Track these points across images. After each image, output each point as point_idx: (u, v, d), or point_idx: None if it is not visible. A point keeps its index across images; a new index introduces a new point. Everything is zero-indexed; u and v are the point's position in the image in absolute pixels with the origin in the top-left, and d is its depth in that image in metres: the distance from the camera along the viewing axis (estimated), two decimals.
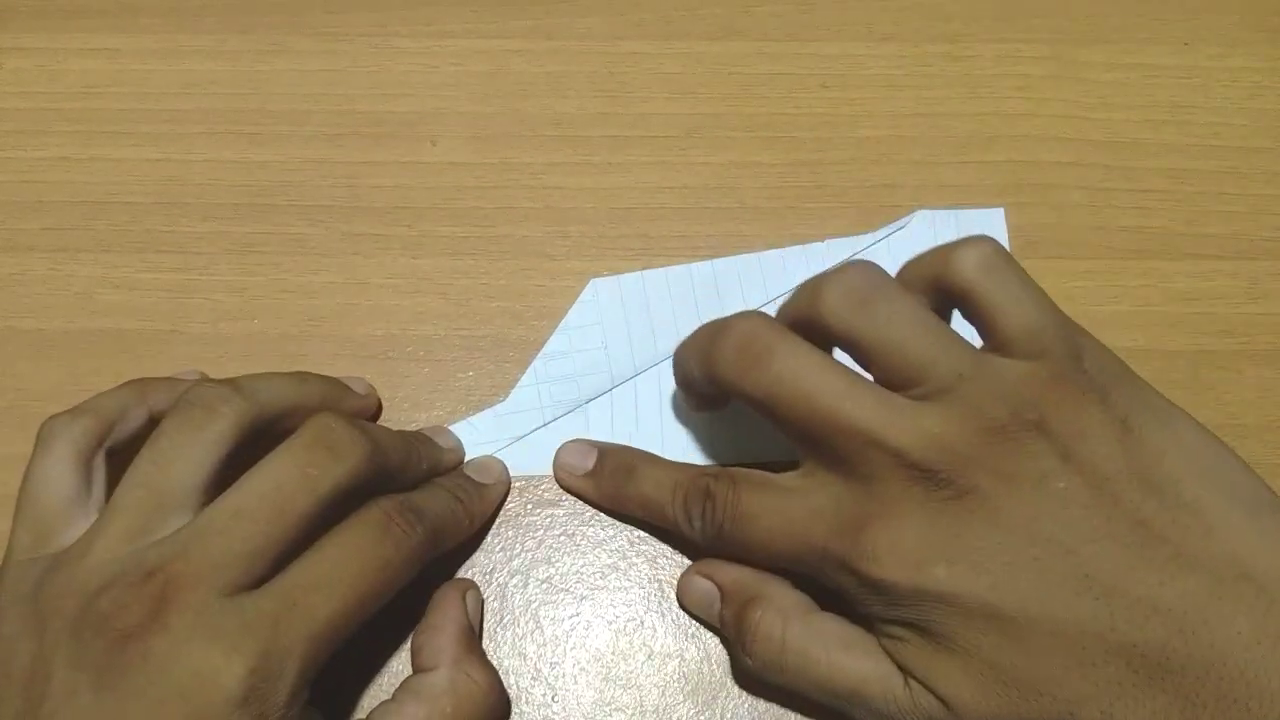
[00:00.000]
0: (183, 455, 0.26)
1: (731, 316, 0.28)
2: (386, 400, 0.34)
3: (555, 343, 0.34)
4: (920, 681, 0.26)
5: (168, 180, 0.36)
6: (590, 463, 0.32)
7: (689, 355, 0.30)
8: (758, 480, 0.28)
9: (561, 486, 0.33)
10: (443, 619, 0.29)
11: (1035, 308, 0.26)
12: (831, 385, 0.26)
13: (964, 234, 0.35)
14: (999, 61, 0.38)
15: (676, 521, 0.30)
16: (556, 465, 0.33)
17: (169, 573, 0.24)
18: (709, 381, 0.29)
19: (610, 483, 0.32)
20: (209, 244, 0.35)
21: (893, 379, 0.26)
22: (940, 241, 0.34)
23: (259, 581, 0.25)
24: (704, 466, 0.32)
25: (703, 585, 0.30)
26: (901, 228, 0.35)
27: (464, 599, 0.30)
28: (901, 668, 0.26)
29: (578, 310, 0.34)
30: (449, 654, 0.28)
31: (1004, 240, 0.35)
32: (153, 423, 0.29)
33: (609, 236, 0.36)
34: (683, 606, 0.31)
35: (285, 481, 0.26)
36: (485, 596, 0.32)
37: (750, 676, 0.29)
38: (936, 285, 0.27)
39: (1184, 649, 0.23)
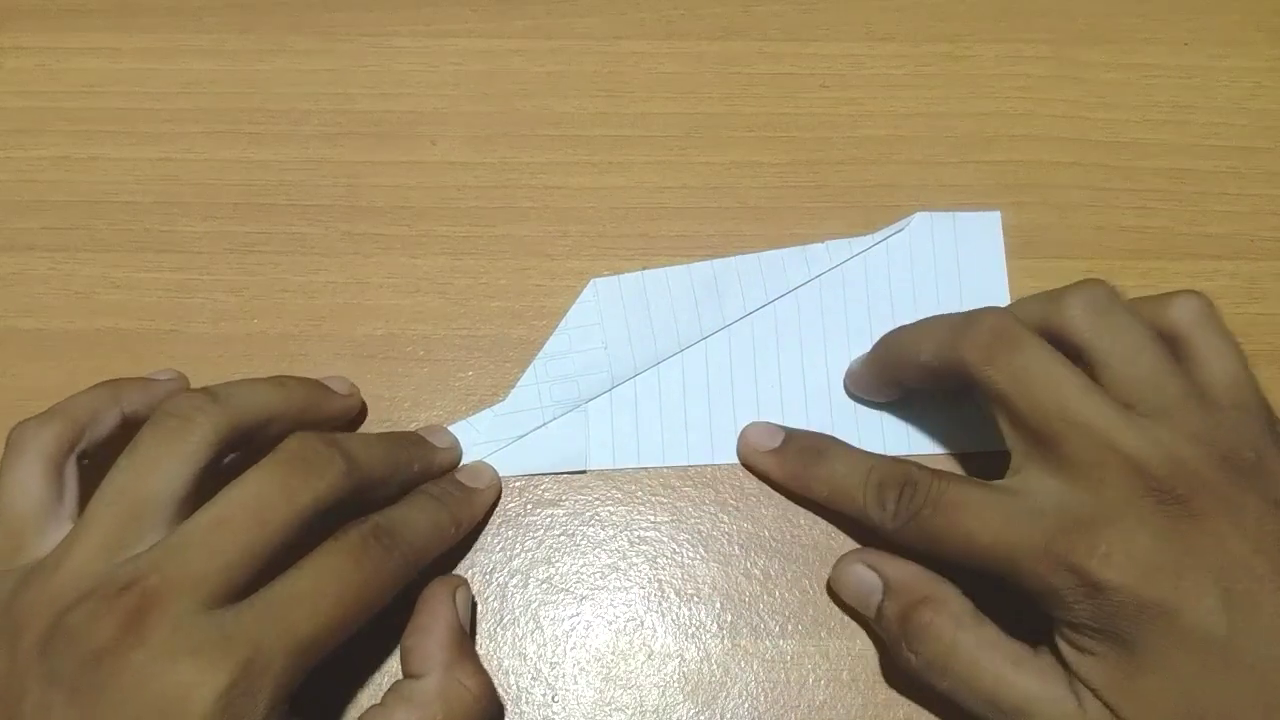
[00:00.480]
0: (159, 467, 0.26)
1: (977, 310, 0.29)
2: (386, 400, 0.34)
3: (555, 343, 0.34)
4: (1103, 700, 0.25)
5: (168, 180, 0.36)
6: (777, 441, 0.32)
7: (919, 338, 0.30)
8: (964, 477, 0.29)
9: (744, 464, 0.33)
10: (432, 620, 0.28)
11: (1239, 361, 0.28)
12: (1076, 383, 0.27)
13: (962, 236, 0.35)
14: (999, 61, 0.38)
15: (865, 504, 0.30)
16: (742, 442, 0.33)
17: (145, 586, 0.24)
18: (944, 365, 0.29)
19: (797, 462, 0.32)
20: (209, 244, 0.35)
21: (1120, 393, 0.27)
22: (937, 243, 0.35)
23: (238, 595, 0.25)
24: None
25: (866, 575, 0.30)
26: (900, 230, 0.35)
27: (453, 597, 0.29)
28: (1085, 683, 0.26)
29: (578, 310, 0.34)
30: (440, 659, 0.28)
31: (999, 242, 0.35)
32: (126, 425, 0.29)
33: (609, 236, 0.36)
34: (833, 593, 0.31)
35: (264, 494, 0.26)
36: (485, 596, 0.32)
37: (908, 675, 0.29)
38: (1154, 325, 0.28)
39: None
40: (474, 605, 0.31)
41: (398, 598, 0.28)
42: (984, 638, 0.28)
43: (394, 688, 0.27)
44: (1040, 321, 0.28)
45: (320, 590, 0.26)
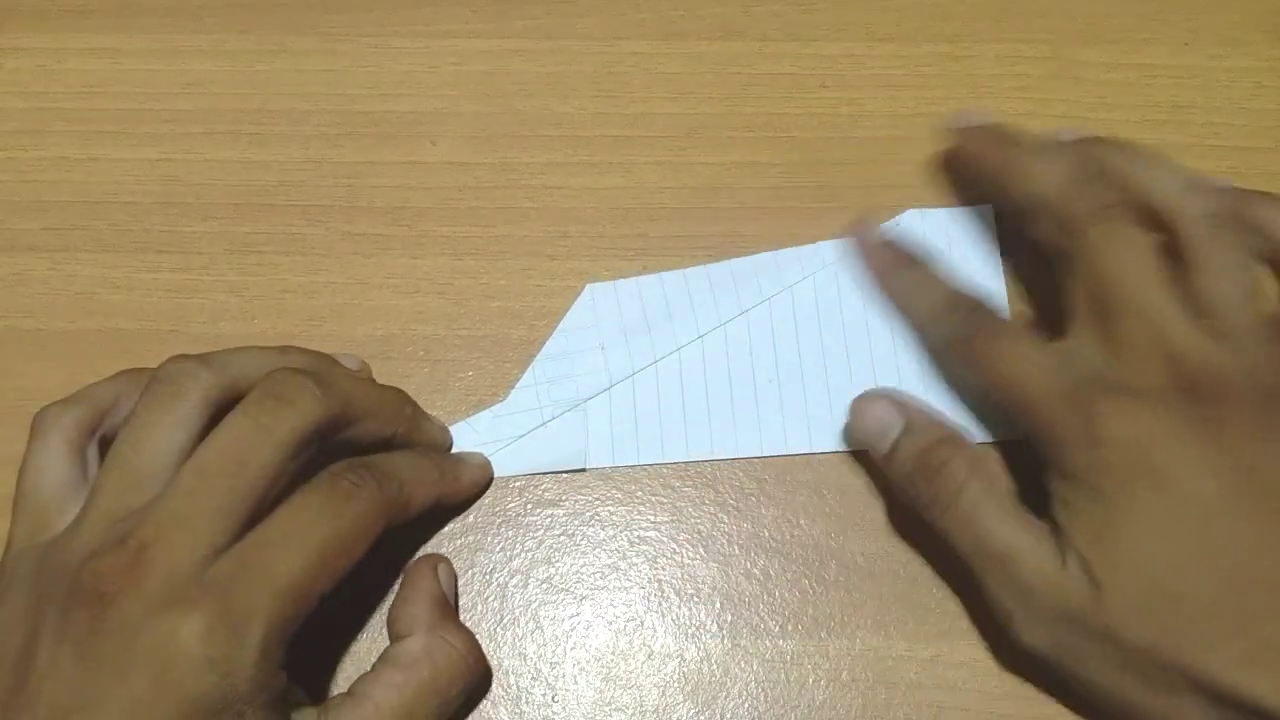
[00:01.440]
0: (153, 433, 0.27)
1: (1099, 169, 0.30)
2: None
3: (554, 345, 0.34)
4: (1082, 556, 0.26)
5: (168, 180, 0.36)
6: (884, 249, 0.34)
7: (1043, 165, 0.31)
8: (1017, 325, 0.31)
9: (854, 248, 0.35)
10: (415, 590, 0.29)
11: None
12: (1160, 276, 0.28)
13: (955, 231, 0.35)
14: (999, 61, 0.38)
15: (926, 315, 0.32)
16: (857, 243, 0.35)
17: (139, 538, 0.25)
18: (1049, 203, 0.30)
19: (885, 262, 0.34)
20: (209, 244, 0.35)
21: (1199, 301, 0.28)
22: (930, 239, 0.34)
23: (230, 540, 0.25)
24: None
25: (888, 411, 0.31)
26: (892, 227, 0.35)
27: (435, 571, 0.30)
28: (1069, 539, 0.26)
29: (575, 313, 0.34)
30: (423, 621, 0.28)
31: (993, 235, 0.35)
32: None
33: (609, 236, 0.36)
34: (852, 429, 0.32)
35: (241, 436, 0.26)
36: (486, 596, 0.32)
37: (908, 508, 0.30)
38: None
39: None
40: (456, 580, 0.31)
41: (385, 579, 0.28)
42: (995, 486, 0.29)
43: (383, 653, 0.28)
44: (1164, 200, 0.29)
45: (298, 529, 0.26)
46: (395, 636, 0.28)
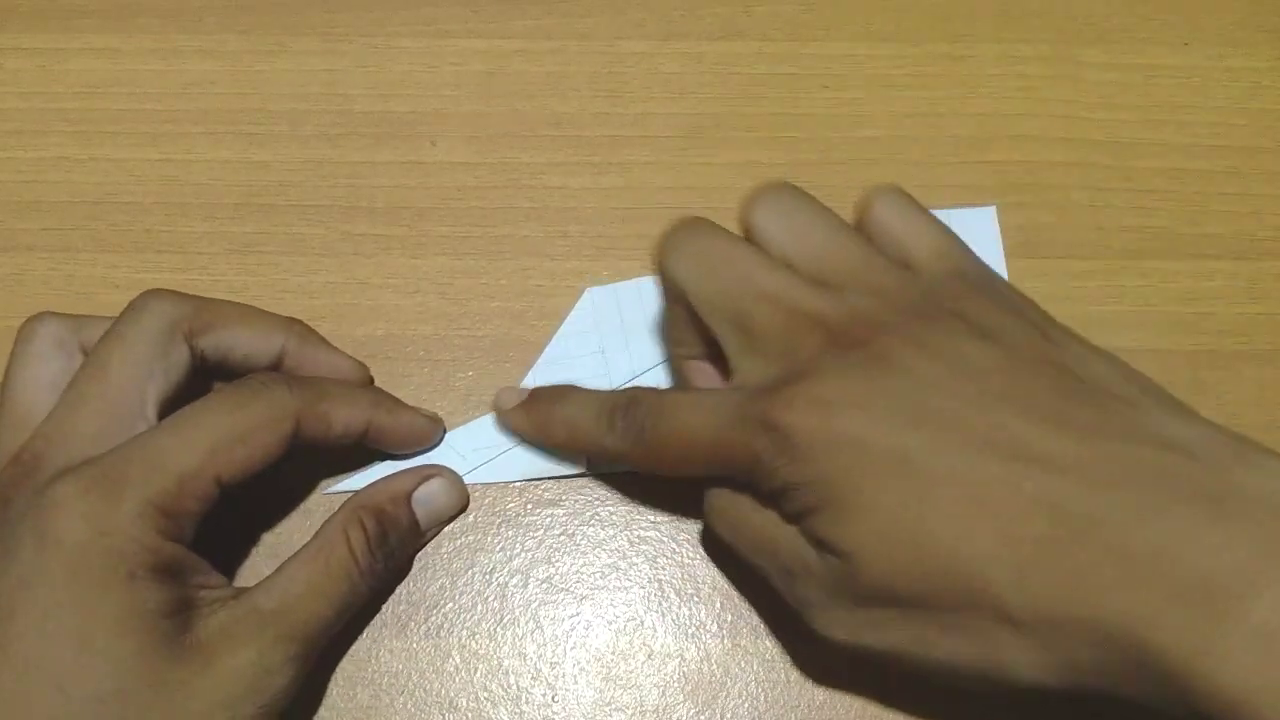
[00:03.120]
0: (122, 355, 0.28)
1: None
2: None
3: (554, 349, 0.34)
4: (825, 543, 0.25)
5: (168, 180, 0.36)
6: (522, 398, 0.32)
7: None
8: (688, 388, 0.29)
9: (501, 426, 0.33)
10: (375, 486, 0.31)
11: (943, 234, 0.29)
12: (758, 259, 0.28)
13: (956, 231, 0.35)
14: (999, 61, 0.38)
15: (599, 434, 0.29)
16: (493, 405, 0.33)
17: (33, 449, 0.27)
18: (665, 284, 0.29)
19: (537, 411, 0.31)
20: (209, 244, 0.35)
21: (807, 273, 0.28)
22: None
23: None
24: None
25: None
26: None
27: (420, 481, 0.31)
28: (809, 537, 0.26)
29: (575, 316, 0.34)
30: (339, 515, 0.29)
31: (997, 237, 0.35)
32: None
33: (609, 236, 0.36)
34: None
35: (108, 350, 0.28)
36: (486, 596, 0.32)
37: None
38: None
39: (1100, 507, 0.22)
40: (458, 504, 0.32)
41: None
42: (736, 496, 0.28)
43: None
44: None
45: (191, 417, 0.27)
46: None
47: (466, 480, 0.32)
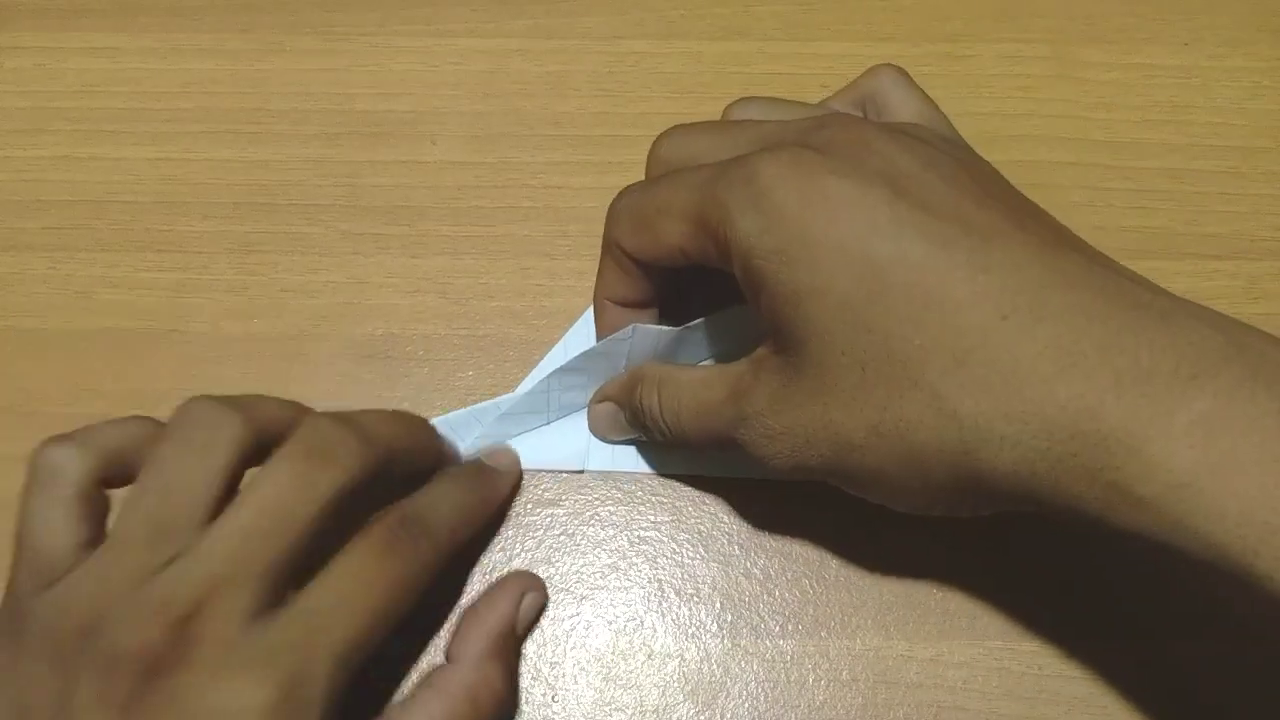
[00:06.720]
0: (184, 484, 0.25)
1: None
2: (386, 400, 0.34)
3: (578, 361, 0.32)
4: (776, 324, 0.26)
5: (167, 179, 0.36)
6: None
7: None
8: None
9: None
10: (489, 610, 0.29)
11: (930, 108, 0.31)
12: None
13: None
14: (999, 61, 0.38)
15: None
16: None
17: (185, 603, 0.24)
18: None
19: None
20: (209, 243, 0.35)
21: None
22: None
23: (277, 601, 0.25)
24: None
25: (603, 409, 0.32)
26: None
27: (519, 596, 0.29)
28: (761, 319, 0.26)
29: (611, 341, 0.32)
30: (477, 652, 0.28)
31: None
32: None
33: None
34: (603, 438, 0.33)
35: (285, 494, 0.25)
36: None
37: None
38: (853, 101, 0.32)
39: (1048, 306, 0.23)
40: (543, 606, 0.31)
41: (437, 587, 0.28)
42: (680, 381, 0.29)
43: (427, 676, 0.27)
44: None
45: (356, 590, 0.25)
46: (450, 653, 0.28)
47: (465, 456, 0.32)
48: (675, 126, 0.31)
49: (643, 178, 0.36)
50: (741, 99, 0.32)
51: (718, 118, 0.37)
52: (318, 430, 0.26)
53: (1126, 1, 0.39)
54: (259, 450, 0.26)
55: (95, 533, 0.26)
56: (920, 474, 0.24)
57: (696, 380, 0.29)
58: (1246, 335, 0.23)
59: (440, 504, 0.29)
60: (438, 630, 0.31)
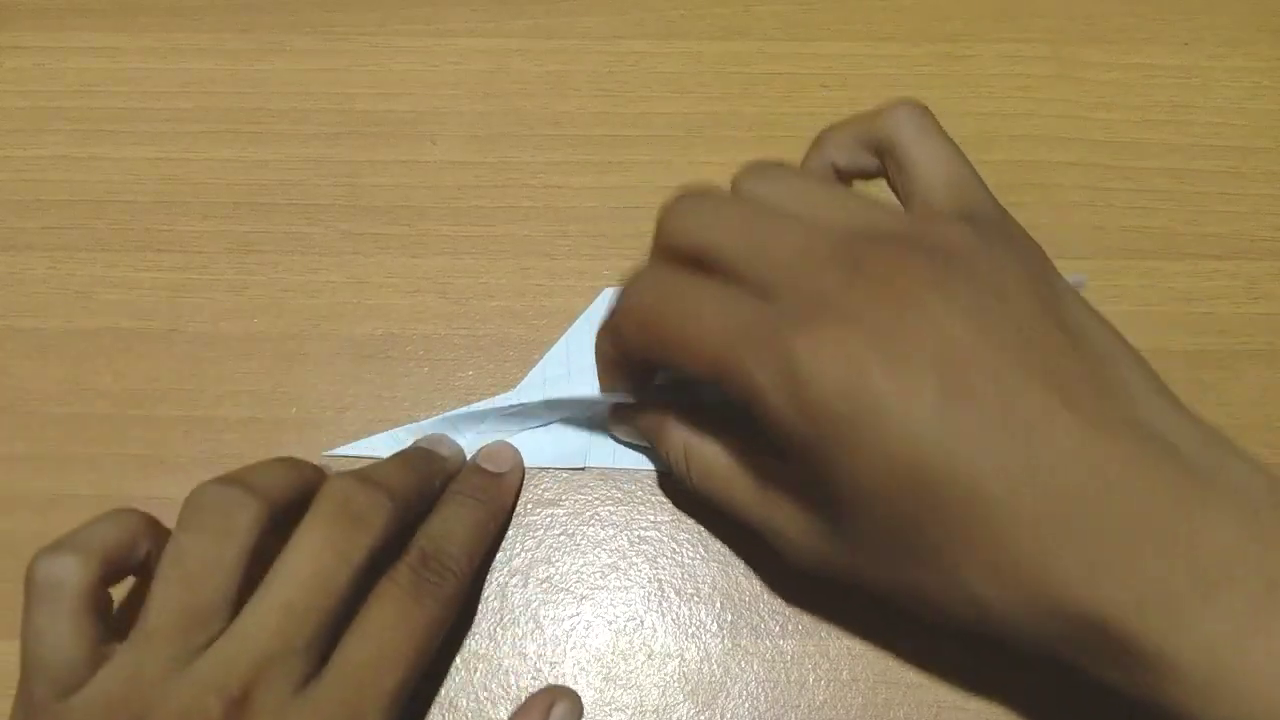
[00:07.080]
0: (210, 572, 0.25)
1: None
2: (386, 400, 0.34)
3: (570, 352, 0.33)
4: (814, 484, 0.25)
5: (167, 179, 0.36)
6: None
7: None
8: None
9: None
10: None
11: (960, 164, 0.28)
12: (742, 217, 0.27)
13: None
14: (999, 61, 0.38)
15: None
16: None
17: (238, 685, 0.24)
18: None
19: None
20: (208, 243, 0.35)
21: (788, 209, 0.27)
22: None
23: (319, 665, 0.25)
24: None
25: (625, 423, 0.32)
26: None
27: (549, 710, 0.29)
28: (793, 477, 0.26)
29: (591, 311, 0.33)
30: None
31: None
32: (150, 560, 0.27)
33: (609, 236, 0.36)
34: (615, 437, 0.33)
35: (321, 563, 0.26)
36: (486, 596, 0.32)
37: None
38: (865, 142, 0.29)
39: (1095, 488, 0.23)
40: (579, 717, 0.30)
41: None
42: (713, 458, 0.29)
43: None
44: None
45: (393, 641, 0.26)
46: None
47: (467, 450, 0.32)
48: (685, 196, 0.28)
49: (642, 178, 0.36)
50: (753, 168, 0.28)
51: (717, 117, 0.37)
52: (341, 494, 0.27)
53: (1126, 1, 0.39)
54: (275, 524, 0.27)
55: (105, 631, 0.26)
56: (939, 619, 0.26)
57: (725, 466, 0.29)
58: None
59: (456, 529, 0.29)
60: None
